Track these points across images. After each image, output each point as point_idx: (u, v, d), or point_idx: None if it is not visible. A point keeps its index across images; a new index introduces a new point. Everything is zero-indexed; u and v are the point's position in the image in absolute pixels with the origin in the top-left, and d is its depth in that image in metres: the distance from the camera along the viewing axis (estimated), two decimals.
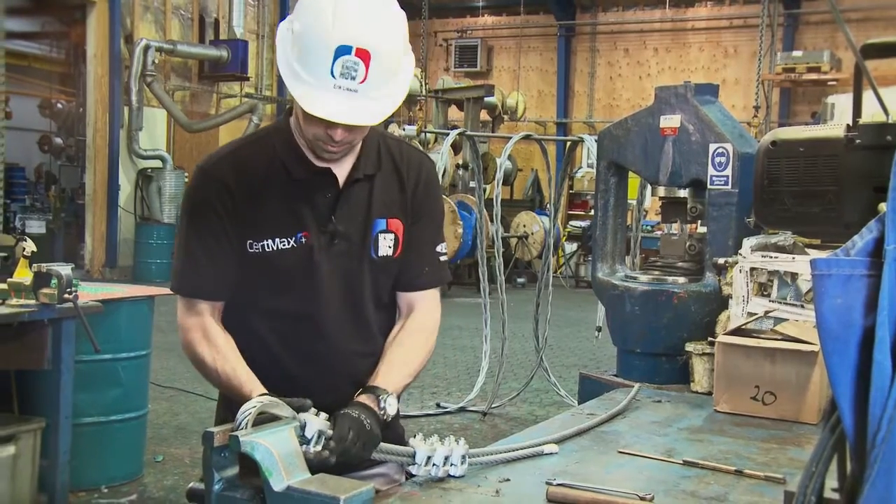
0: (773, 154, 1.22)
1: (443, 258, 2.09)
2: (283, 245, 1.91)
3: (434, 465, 1.86)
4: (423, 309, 2.09)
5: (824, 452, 0.95)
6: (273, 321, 1.97)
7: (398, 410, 1.97)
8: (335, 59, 1.70)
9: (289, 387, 1.82)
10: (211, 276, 1.93)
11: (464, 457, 1.91)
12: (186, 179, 15.35)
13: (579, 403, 3.69)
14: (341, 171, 1.95)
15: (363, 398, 1.86)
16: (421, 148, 12.01)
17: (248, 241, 1.91)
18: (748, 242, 3.11)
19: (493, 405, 6.80)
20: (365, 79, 1.72)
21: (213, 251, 1.92)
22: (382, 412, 1.85)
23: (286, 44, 1.79)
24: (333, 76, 1.71)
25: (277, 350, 1.97)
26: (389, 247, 1.99)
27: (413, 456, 1.85)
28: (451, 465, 1.88)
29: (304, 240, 1.92)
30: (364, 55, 1.71)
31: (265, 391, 1.83)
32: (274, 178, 1.92)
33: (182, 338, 1.98)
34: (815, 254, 2.77)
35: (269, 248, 1.91)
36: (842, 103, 12.28)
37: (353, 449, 1.73)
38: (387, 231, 1.98)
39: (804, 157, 1.20)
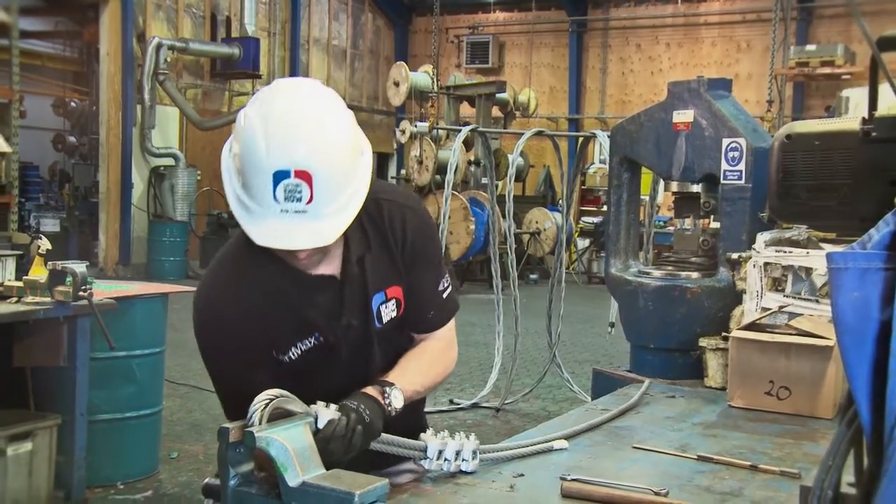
0: (788, 148, 1.21)
1: (446, 293, 2.03)
2: (305, 346, 1.92)
3: (445, 459, 1.86)
4: (436, 337, 2.06)
5: (841, 447, 0.94)
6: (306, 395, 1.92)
7: (422, 413, 1.97)
8: (275, 184, 1.64)
9: None
10: (250, 398, 1.87)
11: (475, 452, 1.91)
12: (198, 177, 15.42)
13: (592, 399, 3.69)
14: (333, 267, 1.90)
15: (368, 389, 1.85)
16: (433, 145, 11.98)
17: (273, 351, 1.92)
18: (762, 237, 3.10)
19: (506, 401, 6.79)
20: (311, 199, 1.65)
21: (240, 376, 1.91)
22: (388, 405, 1.83)
23: (230, 171, 1.72)
24: (277, 201, 1.65)
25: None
26: (393, 310, 1.97)
27: (424, 450, 1.85)
28: (463, 460, 1.89)
29: (321, 338, 1.92)
30: (305, 176, 1.63)
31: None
32: (273, 291, 1.88)
33: None
34: (829, 248, 2.76)
35: (294, 355, 1.92)
36: (856, 97, 12.20)
37: (348, 438, 1.70)
38: (387, 300, 1.96)
39: (819, 151, 1.20)
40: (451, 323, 2.09)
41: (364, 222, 1.90)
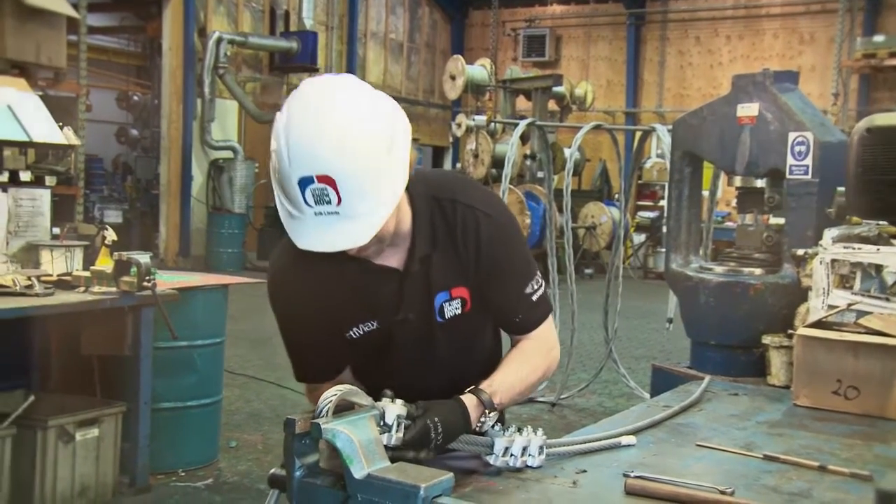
0: (868, 141, 1.18)
1: (536, 295, 2.00)
2: (369, 328, 1.97)
3: (512, 455, 1.86)
4: (534, 337, 2.05)
5: None
6: (377, 383, 1.94)
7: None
8: (303, 190, 1.66)
9: None
10: (316, 364, 2.02)
11: (541, 447, 1.90)
12: (256, 170, 15.63)
13: (651, 395, 3.65)
14: (397, 259, 1.92)
15: (469, 401, 1.85)
16: (489, 139, 11.97)
17: (339, 329, 1.97)
18: (829, 233, 3.03)
19: (561, 396, 6.76)
20: (340, 201, 1.66)
21: (308, 345, 2.01)
22: (480, 426, 1.86)
23: (272, 173, 1.76)
24: (309, 205, 1.67)
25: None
26: (457, 308, 1.97)
27: (491, 446, 1.85)
28: (529, 455, 1.88)
29: (379, 325, 1.97)
30: (328, 181, 1.65)
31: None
32: (337, 273, 1.91)
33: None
34: None
35: (357, 334, 1.97)
36: None
37: (431, 445, 1.74)
38: (451, 300, 1.96)
39: None
40: (550, 324, 2.07)
41: (436, 221, 1.91)
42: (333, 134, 1.65)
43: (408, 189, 1.85)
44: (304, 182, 1.66)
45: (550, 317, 2.08)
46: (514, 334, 2.06)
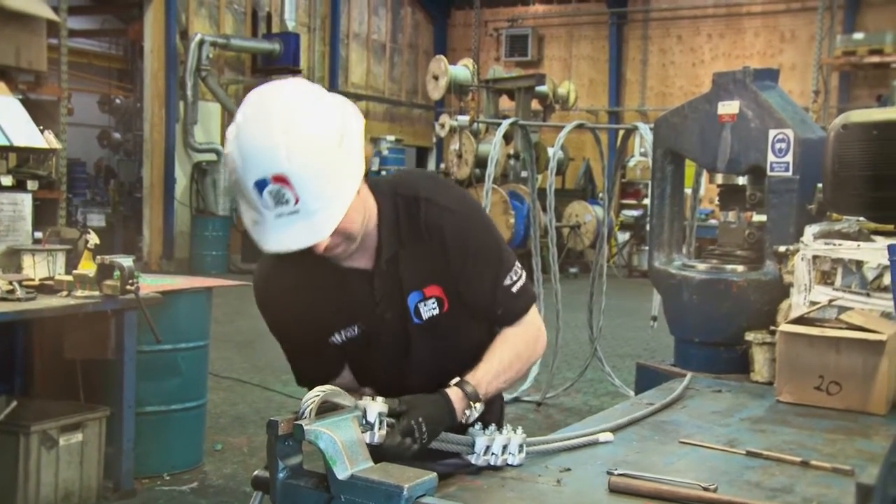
0: (844, 138, 1.19)
1: (516, 286, 1.99)
2: (350, 334, 1.98)
3: (493, 454, 1.86)
4: (519, 325, 2.04)
5: None
6: (371, 385, 2.00)
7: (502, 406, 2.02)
8: (260, 192, 1.66)
9: None
10: (313, 367, 2.03)
11: (521, 446, 1.91)
12: None
13: (636, 393, 3.66)
14: (366, 260, 1.93)
15: (454, 394, 1.86)
16: (473, 139, 12.00)
17: (325, 334, 1.99)
18: (810, 230, 3.05)
19: (547, 395, 6.78)
20: (297, 199, 1.66)
21: (299, 349, 2.04)
22: (467, 418, 1.87)
23: (234, 188, 1.76)
24: (268, 207, 1.68)
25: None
26: (433, 308, 1.96)
27: (472, 445, 1.85)
28: (510, 454, 1.89)
29: (363, 326, 1.98)
30: (281, 180, 1.65)
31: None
32: (320, 280, 1.95)
33: None
34: (882, 241, 2.71)
35: (338, 340, 1.99)
36: None
37: (416, 442, 1.75)
38: (425, 299, 1.95)
39: (878, 141, 1.17)
40: (534, 311, 2.06)
41: (401, 219, 1.91)
42: (281, 132, 1.65)
43: (372, 189, 1.87)
44: (260, 184, 1.66)
45: (534, 305, 2.07)
46: (499, 326, 2.05)
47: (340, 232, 1.76)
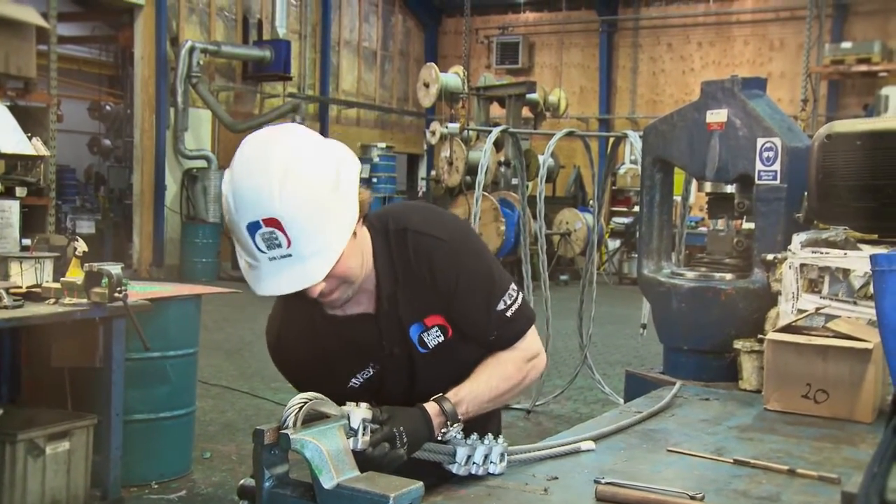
0: (828, 148, 1.19)
1: (511, 311, 1.97)
2: (366, 375, 1.98)
3: (474, 463, 1.86)
4: (514, 349, 2.02)
5: (887, 453, 0.92)
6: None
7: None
8: (252, 235, 1.67)
9: None
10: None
11: (503, 454, 1.91)
12: None
13: (625, 401, 3.66)
14: (367, 302, 1.93)
15: (432, 409, 1.85)
16: (463, 146, 11.99)
17: (346, 379, 1.98)
18: (798, 238, 3.06)
19: (537, 403, 6.77)
20: (290, 242, 1.67)
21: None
22: (442, 434, 1.85)
23: (230, 231, 1.76)
24: (262, 251, 1.68)
25: None
26: (438, 335, 1.96)
27: (453, 455, 1.85)
28: (491, 462, 1.89)
29: (377, 367, 1.98)
30: (274, 223, 1.65)
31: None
32: (326, 328, 1.95)
33: None
34: (868, 249, 2.72)
35: (356, 383, 1.98)
36: None
37: (396, 452, 1.74)
38: (427, 329, 1.96)
39: (862, 151, 1.18)
40: (532, 334, 2.03)
41: (394, 256, 1.91)
42: (274, 175, 1.65)
43: (368, 229, 1.88)
44: (252, 227, 1.66)
45: (532, 328, 2.04)
46: (494, 351, 2.02)
47: (336, 276, 1.76)
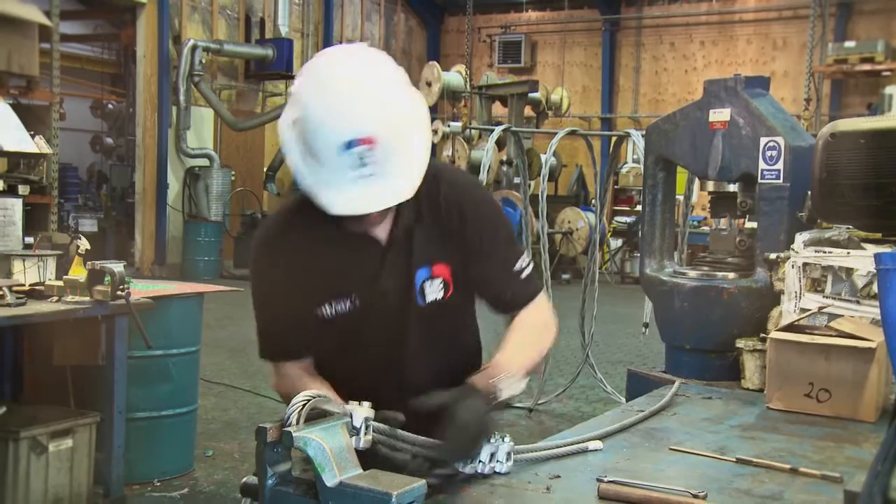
0: (832, 146, 1.19)
1: (525, 273, 2.02)
2: (343, 309, 1.95)
3: (480, 461, 1.86)
4: (530, 309, 2.04)
5: (890, 452, 0.92)
6: (351, 372, 1.99)
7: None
8: (343, 152, 1.69)
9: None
10: (288, 340, 2.00)
11: (509, 454, 1.91)
12: (233, 178, 15.56)
13: (627, 400, 3.66)
14: (382, 229, 1.94)
15: (477, 379, 1.85)
16: (465, 145, 12.03)
17: (314, 307, 1.96)
18: (801, 237, 3.06)
19: (539, 402, 6.77)
20: (379, 161, 1.70)
21: (280, 319, 1.98)
22: (493, 396, 1.83)
23: (292, 144, 1.76)
24: (347, 168, 1.70)
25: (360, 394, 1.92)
26: (439, 290, 1.97)
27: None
28: (497, 461, 1.88)
29: (357, 302, 1.95)
30: (369, 141, 1.68)
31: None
32: (322, 246, 1.94)
33: (281, 395, 2.06)
34: (871, 248, 2.72)
35: (330, 314, 1.95)
36: None
37: (470, 446, 1.77)
38: (431, 278, 1.96)
39: (866, 149, 1.18)
40: (544, 301, 2.07)
41: (421, 194, 1.90)
42: (372, 94, 1.70)
43: None
44: (346, 145, 1.68)
45: (544, 293, 2.09)
46: (506, 312, 2.05)
47: None
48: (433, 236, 1.95)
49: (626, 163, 17.22)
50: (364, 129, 1.68)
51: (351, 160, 1.69)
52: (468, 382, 1.85)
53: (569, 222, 15.43)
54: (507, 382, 1.85)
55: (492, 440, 1.89)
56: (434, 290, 1.96)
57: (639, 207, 15.80)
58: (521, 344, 1.98)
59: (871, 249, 2.75)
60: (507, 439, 1.91)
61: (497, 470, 1.88)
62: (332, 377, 1.99)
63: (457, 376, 1.92)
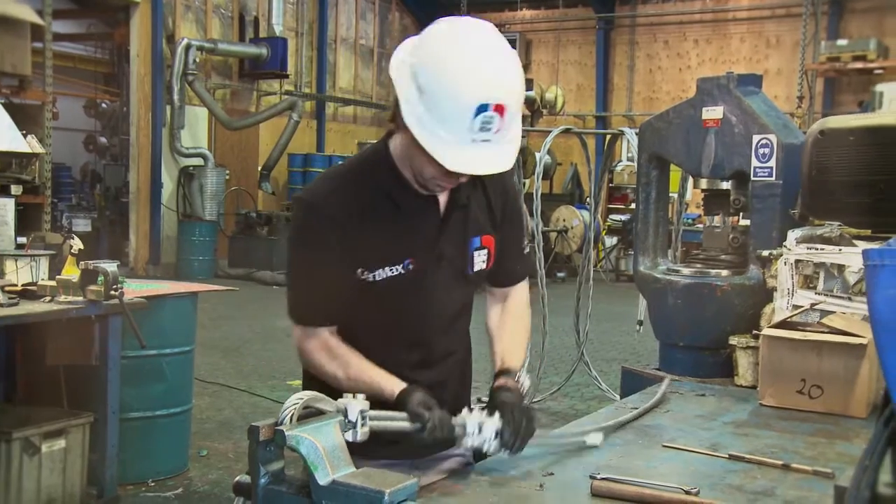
0: (821, 144, 1.19)
1: (526, 250, 2.25)
2: (392, 273, 1.97)
3: (485, 439, 1.87)
4: (519, 290, 2.26)
5: (878, 446, 0.93)
6: (379, 335, 2.03)
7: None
8: (471, 116, 1.75)
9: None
10: (323, 305, 2.00)
11: (497, 432, 1.92)
12: (227, 177, 15.53)
13: (621, 398, 3.67)
14: (442, 196, 2.01)
15: (505, 382, 2.02)
16: None
17: (359, 270, 1.97)
18: (793, 234, 3.06)
19: (534, 400, 6.78)
20: (500, 128, 1.78)
21: (323, 281, 1.98)
22: (522, 388, 2.03)
23: (413, 102, 1.79)
24: (472, 131, 1.76)
25: (381, 358, 2.00)
26: (483, 261, 2.09)
27: (464, 426, 1.87)
28: (485, 440, 1.90)
29: (411, 266, 1.98)
30: (500, 109, 1.76)
31: (404, 384, 1.90)
32: (379, 208, 1.96)
33: (306, 361, 2.04)
34: (863, 245, 2.72)
35: (379, 276, 1.97)
36: (891, 91, 12.03)
37: (526, 434, 1.91)
38: (481, 247, 2.07)
39: (855, 147, 1.18)
40: (527, 281, 2.29)
41: None
42: (507, 66, 1.79)
43: None
44: (480, 109, 1.75)
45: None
46: (503, 285, 2.23)
47: None
48: (482, 207, 2.08)
49: (620, 161, 17.24)
50: (499, 96, 1.75)
51: (476, 124, 1.75)
52: (506, 387, 2.01)
53: (564, 220, 15.43)
54: (524, 377, 2.04)
55: (495, 415, 1.90)
56: (481, 260, 2.07)
57: (633, 206, 15.79)
58: (519, 336, 2.20)
59: (863, 246, 2.76)
60: (496, 415, 1.91)
61: (485, 450, 1.88)
62: (354, 341, 2.01)
63: (456, 351, 2.14)
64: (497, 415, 1.90)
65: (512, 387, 1.99)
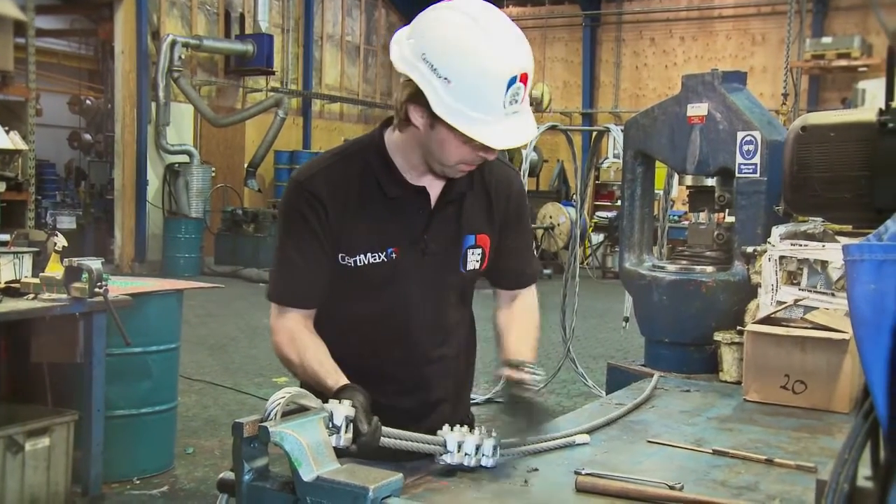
0: (803, 140, 1.20)
1: (535, 253, 2.29)
2: (374, 259, 1.97)
3: (466, 454, 1.85)
4: (527, 294, 2.25)
5: (857, 440, 0.93)
6: (360, 327, 2.04)
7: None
8: (504, 90, 1.77)
9: (373, 385, 1.89)
10: (303, 286, 2.00)
11: (495, 448, 1.90)
12: (213, 174, 15.48)
13: (607, 394, 3.68)
14: (434, 189, 2.00)
15: (512, 374, 2.01)
16: None
17: (341, 255, 1.97)
18: (777, 231, 3.08)
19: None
20: (524, 98, 1.82)
21: (306, 262, 1.98)
22: (534, 383, 2.01)
23: (440, 93, 1.77)
24: (505, 105, 1.78)
25: (362, 352, 2.02)
26: (477, 261, 2.06)
27: (444, 444, 1.84)
28: (483, 455, 1.88)
29: (394, 255, 1.98)
30: (524, 78, 1.79)
31: (348, 381, 1.88)
32: (366, 193, 1.96)
33: (272, 340, 2.05)
34: (845, 241, 2.74)
35: (360, 262, 1.97)
36: (873, 88, 12.10)
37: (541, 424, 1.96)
38: (475, 246, 2.05)
39: (835, 143, 1.19)
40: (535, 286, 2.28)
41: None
42: (518, 30, 1.82)
43: None
44: (511, 82, 1.77)
45: None
46: (513, 288, 2.22)
47: None
48: (479, 207, 2.05)
49: (606, 158, 17.28)
50: (522, 65, 1.78)
51: (508, 98, 1.77)
52: (510, 376, 2.01)
53: (550, 217, 15.47)
54: (538, 371, 2.03)
55: (475, 433, 1.88)
56: (474, 260, 2.06)
57: (620, 202, 15.81)
58: (528, 332, 2.18)
59: (846, 242, 2.78)
60: (493, 433, 1.91)
61: (483, 464, 1.88)
62: (331, 329, 2.01)
63: (446, 356, 2.10)
64: (477, 431, 1.88)
65: (527, 380, 1.99)
